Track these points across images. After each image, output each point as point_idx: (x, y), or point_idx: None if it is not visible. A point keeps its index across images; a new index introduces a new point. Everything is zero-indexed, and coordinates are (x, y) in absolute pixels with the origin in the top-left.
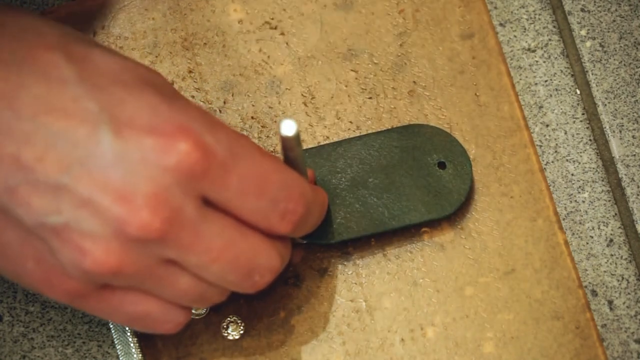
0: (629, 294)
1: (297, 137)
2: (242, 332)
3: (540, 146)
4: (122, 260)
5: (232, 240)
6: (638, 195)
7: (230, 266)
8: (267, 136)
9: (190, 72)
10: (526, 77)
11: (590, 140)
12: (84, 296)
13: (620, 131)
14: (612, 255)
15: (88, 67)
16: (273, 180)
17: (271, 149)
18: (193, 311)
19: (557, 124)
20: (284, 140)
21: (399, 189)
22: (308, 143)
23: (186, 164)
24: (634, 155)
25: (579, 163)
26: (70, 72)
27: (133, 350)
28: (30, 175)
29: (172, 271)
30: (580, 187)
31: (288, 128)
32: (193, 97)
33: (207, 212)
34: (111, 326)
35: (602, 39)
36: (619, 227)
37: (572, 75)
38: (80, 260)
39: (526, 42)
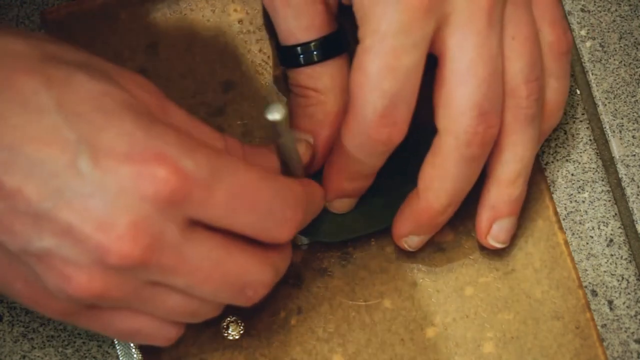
0: (629, 294)
1: (285, 121)
2: (242, 332)
3: (540, 146)
4: (106, 286)
5: (220, 260)
6: (638, 195)
7: (220, 285)
8: (268, 136)
9: (190, 72)
10: None
11: (590, 140)
12: (72, 315)
13: (620, 131)
14: (612, 255)
15: (67, 93)
16: (263, 191)
17: None
18: None
19: (557, 124)
20: (273, 126)
21: (399, 187)
22: None
23: (164, 192)
24: (634, 155)
25: (579, 163)
26: (48, 99)
27: (133, 350)
28: (11, 203)
29: (160, 291)
30: (580, 187)
31: (275, 112)
32: (194, 97)
33: (193, 234)
34: None
35: (602, 39)
36: (619, 227)
37: (572, 75)
38: (64, 286)
39: None
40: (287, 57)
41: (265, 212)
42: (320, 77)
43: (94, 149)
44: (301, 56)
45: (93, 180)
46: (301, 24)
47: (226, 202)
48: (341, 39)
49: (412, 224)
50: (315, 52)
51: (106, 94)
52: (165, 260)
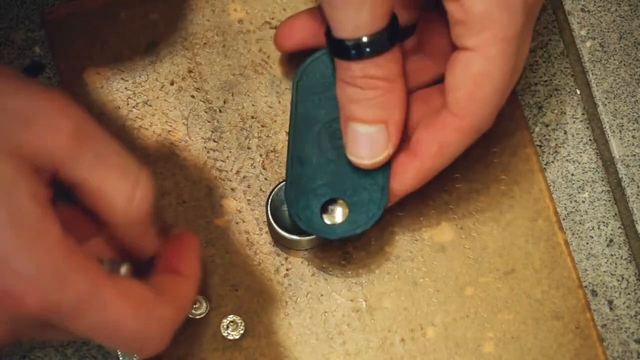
0: (629, 294)
1: None
2: (242, 332)
3: (540, 146)
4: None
5: None
6: (638, 195)
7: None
8: (267, 136)
9: (190, 72)
10: (526, 77)
11: (590, 140)
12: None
13: (620, 131)
14: (612, 255)
15: None
16: (128, 326)
17: (271, 148)
18: (193, 311)
19: (557, 124)
20: None
21: None
22: None
23: (25, 313)
24: (634, 155)
25: (579, 163)
26: None
27: None
28: None
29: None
30: (580, 187)
31: None
32: (193, 97)
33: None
34: None
35: (602, 39)
36: (619, 227)
37: (572, 75)
38: None
39: None
40: (349, 49)
41: (123, 343)
42: (388, 65)
43: None
44: (368, 48)
45: None
46: (377, 13)
47: (86, 330)
48: (398, 24)
49: (411, 186)
50: (383, 41)
51: None
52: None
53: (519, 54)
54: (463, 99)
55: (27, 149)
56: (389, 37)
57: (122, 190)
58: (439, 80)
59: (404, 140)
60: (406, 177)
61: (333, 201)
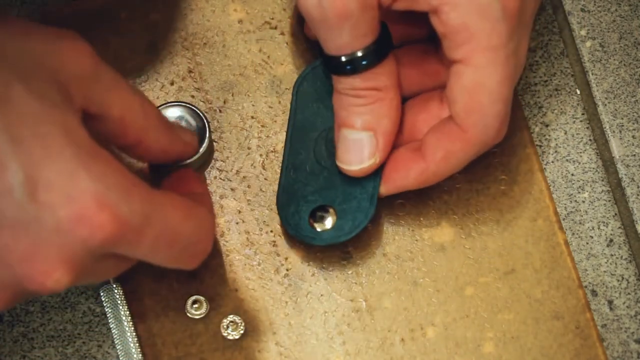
0: (629, 294)
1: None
2: (242, 332)
3: (540, 146)
4: (8, 304)
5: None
6: (638, 195)
7: None
8: (267, 136)
9: (190, 72)
10: (526, 77)
11: (590, 140)
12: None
13: (620, 131)
14: (612, 255)
15: (9, 113)
16: (185, 230)
17: (271, 148)
18: (193, 311)
19: (557, 124)
20: None
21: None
22: None
23: (100, 236)
24: (634, 155)
25: (579, 163)
26: None
27: (133, 350)
28: None
29: None
30: (580, 187)
31: None
32: (193, 97)
33: (108, 260)
34: (111, 326)
35: (602, 39)
36: (619, 227)
37: (572, 75)
38: None
39: None
40: (341, 65)
41: (182, 249)
42: (378, 77)
43: (32, 182)
44: (360, 62)
45: (28, 212)
46: (359, 32)
47: (151, 243)
48: (389, 36)
49: (412, 184)
50: (372, 56)
51: (46, 118)
52: (78, 283)
53: (512, 61)
54: (462, 111)
55: (62, 73)
56: (378, 51)
57: (137, 104)
58: None
59: (410, 140)
60: (408, 175)
61: (325, 210)
